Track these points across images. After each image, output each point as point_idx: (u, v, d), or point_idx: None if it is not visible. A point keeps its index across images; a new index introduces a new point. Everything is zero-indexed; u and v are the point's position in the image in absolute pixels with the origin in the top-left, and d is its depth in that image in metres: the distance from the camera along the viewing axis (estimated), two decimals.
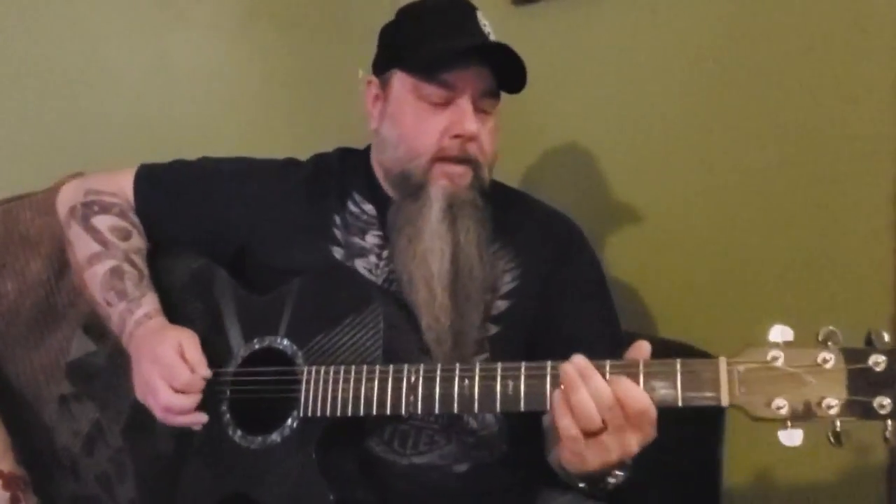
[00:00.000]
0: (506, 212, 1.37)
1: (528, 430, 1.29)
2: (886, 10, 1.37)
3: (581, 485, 1.14)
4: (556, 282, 1.34)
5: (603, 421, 0.99)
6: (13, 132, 1.79)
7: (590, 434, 1.00)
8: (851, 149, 1.44)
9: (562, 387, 1.02)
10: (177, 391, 1.21)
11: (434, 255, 1.26)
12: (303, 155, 1.45)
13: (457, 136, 1.26)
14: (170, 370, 1.21)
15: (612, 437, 1.00)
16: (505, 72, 1.27)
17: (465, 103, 1.25)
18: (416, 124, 1.28)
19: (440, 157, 1.27)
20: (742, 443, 1.49)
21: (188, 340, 1.24)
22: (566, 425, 1.01)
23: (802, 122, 1.50)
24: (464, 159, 1.27)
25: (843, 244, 1.46)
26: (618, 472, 1.13)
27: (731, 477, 1.53)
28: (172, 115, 1.85)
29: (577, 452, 1.02)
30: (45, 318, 1.53)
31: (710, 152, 1.62)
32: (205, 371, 1.23)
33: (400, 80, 1.30)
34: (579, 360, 1.01)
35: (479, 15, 1.30)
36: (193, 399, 1.22)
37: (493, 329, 1.31)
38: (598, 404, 0.99)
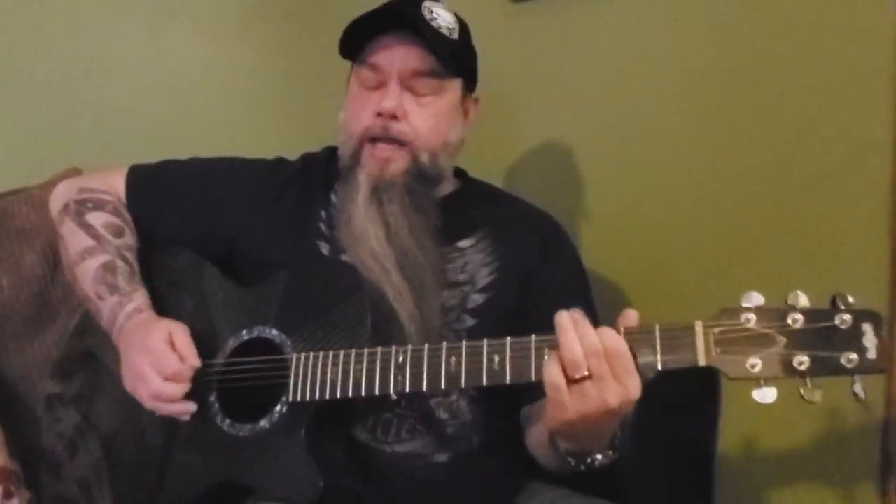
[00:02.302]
0: (485, 207, 1.41)
1: (504, 420, 1.32)
2: (885, 10, 1.39)
3: (568, 459, 1.17)
4: (536, 278, 1.37)
5: (588, 370, 1.03)
6: (9, 128, 1.81)
7: (573, 381, 1.03)
8: (847, 151, 1.44)
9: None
10: (167, 379, 1.23)
11: (369, 236, 1.30)
12: (298, 152, 1.48)
13: (378, 115, 1.30)
14: (159, 359, 1.24)
15: (593, 386, 1.03)
16: (438, 50, 1.30)
17: (390, 83, 1.30)
18: (353, 107, 1.34)
19: (368, 137, 1.32)
20: (736, 411, 1.48)
21: (178, 330, 1.27)
22: (553, 370, 1.04)
23: (797, 123, 1.50)
24: (390, 138, 1.31)
25: (837, 242, 1.46)
26: (607, 452, 1.16)
27: (725, 446, 1.52)
28: (169, 111, 1.87)
29: (559, 402, 1.04)
30: (39, 313, 1.54)
31: (709, 151, 1.63)
32: (194, 360, 1.25)
33: (351, 72, 1.37)
34: (574, 311, 1.06)
35: (428, 4, 1.33)
36: (182, 388, 1.24)
37: (470, 321, 1.33)
38: (586, 348, 1.03)
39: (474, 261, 1.37)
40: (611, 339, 1.03)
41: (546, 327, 1.32)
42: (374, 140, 1.32)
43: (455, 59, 1.34)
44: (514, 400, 1.32)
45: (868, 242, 1.40)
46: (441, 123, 1.34)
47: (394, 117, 1.30)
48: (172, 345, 1.25)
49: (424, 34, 1.29)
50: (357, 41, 1.33)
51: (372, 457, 1.29)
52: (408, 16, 1.30)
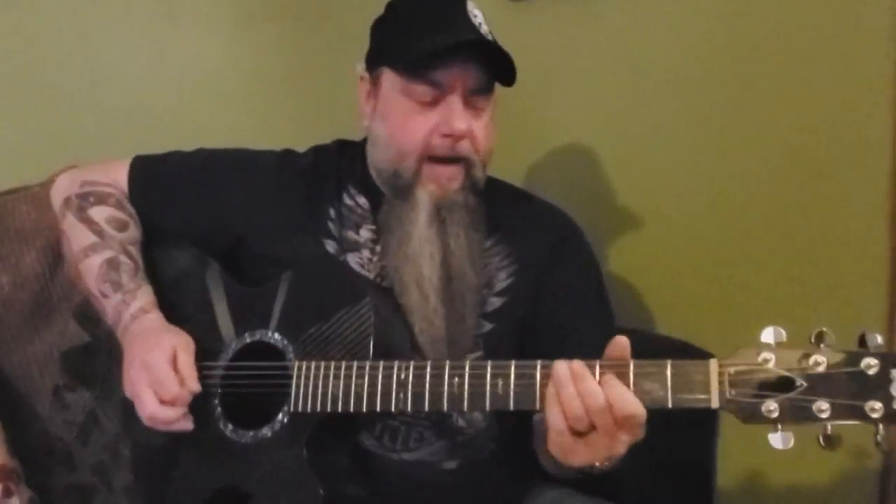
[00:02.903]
0: (501, 208, 1.35)
1: (518, 427, 1.28)
2: (884, 10, 1.37)
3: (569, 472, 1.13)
4: (551, 279, 1.32)
5: (592, 423, 0.98)
6: (9, 127, 1.80)
7: (578, 433, 1.00)
8: (849, 150, 1.43)
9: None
10: (163, 403, 1.20)
11: (424, 258, 1.25)
12: (300, 150, 1.42)
13: (446, 136, 1.23)
14: (159, 381, 1.20)
15: (601, 438, 0.99)
16: (495, 65, 1.24)
17: (454, 101, 1.23)
18: (405, 123, 1.25)
19: (429, 157, 1.25)
20: (735, 443, 1.48)
21: (182, 348, 1.22)
22: (555, 417, 1.01)
23: (800, 122, 1.49)
24: (455, 158, 1.25)
25: (839, 240, 1.46)
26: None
27: (724, 478, 1.53)
28: (170, 110, 1.85)
29: (562, 446, 1.02)
30: (39, 311, 1.53)
31: (709, 149, 1.61)
32: (194, 385, 1.21)
33: (388, 79, 1.27)
34: (574, 363, 1.00)
35: (470, 5, 1.26)
36: (179, 411, 1.21)
37: (487, 326, 1.30)
38: (589, 407, 0.98)
39: (492, 263, 1.32)
40: (624, 399, 0.98)
41: (559, 331, 1.30)
42: (434, 158, 1.25)
43: (507, 68, 1.26)
44: None
45: (868, 242, 1.39)
46: (491, 134, 1.29)
47: (461, 137, 1.24)
48: (174, 365, 1.21)
49: (483, 49, 1.22)
50: (415, 58, 1.23)
51: (379, 464, 1.27)
52: (463, 28, 1.22)
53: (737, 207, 1.60)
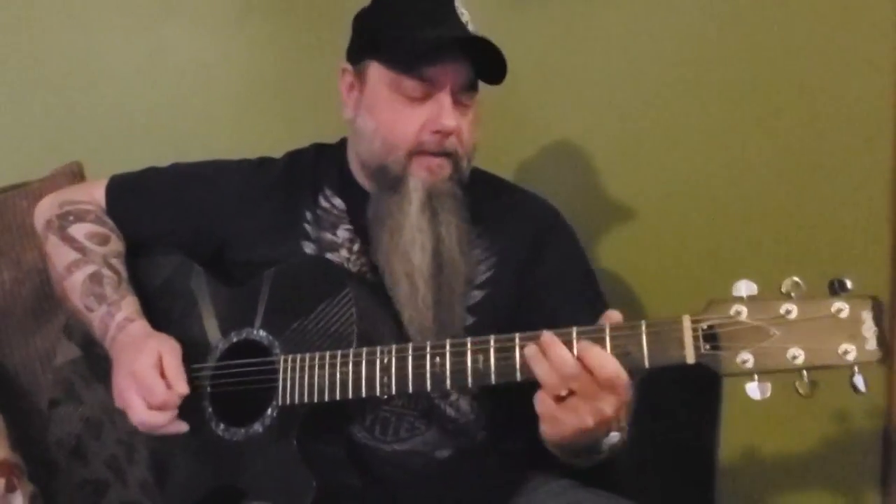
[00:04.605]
0: (481, 198, 1.36)
1: (507, 416, 1.29)
2: (886, 7, 1.39)
3: (577, 460, 1.14)
4: (535, 271, 1.33)
5: (571, 389, 0.99)
6: (9, 123, 1.83)
7: (559, 398, 1.00)
8: (848, 149, 1.44)
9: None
10: (152, 408, 1.21)
11: (415, 248, 1.25)
12: (295, 148, 1.44)
13: (436, 132, 1.25)
14: (146, 387, 1.21)
15: (582, 402, 1.00)
16: (484, 63, 1.25)
17: (444, 98, 1.24)
18: (394, 118, 1.26)
19: (418, 152, 1.26)
20: (737, 418, 1.49)
21: (168, 353, 1.23)
22: (538, 397, 1.02)
23: (799, 120, 1.50)
24: (442, 153, 1.26)
25: (839, 236, 1.46)
26: (613, 434, 1.11)
27: (726, 453, 1.53)
28: (166, 107, 1.86)
29: (550, 417, 1.02)
30: (41, 307, 1.54)
31: (708, 147, 1.62)
32: (182, 388, 1.22)
33: (377, 72, 1.28)
34: (544, 336, 1.02)
35: (457, 2, 1.27)
36: (169, 415, 1.22)
37: (469, 319, 1.30)
38: (562, 374, 0.99)
39: (474, 256, 1.32)
40: (601, 361, 0.98)
41: (550, 319, 1.29)
42: (422, 153, 1.27)
43: (498, 66, 1.26)
44: (516, 394, 1.28)
45: (868, 233, 1.38)
46: (476, 129, 1.31)
47: (450, 134, 1.26)
48: (161, 370, 1.22)
49: (475, 47, 1.24)
50: (408, 53, 1.24)
51: (371, 455, 1.27)
52: (454, 25, 1.25)
53: (734, 204, 1.60)
